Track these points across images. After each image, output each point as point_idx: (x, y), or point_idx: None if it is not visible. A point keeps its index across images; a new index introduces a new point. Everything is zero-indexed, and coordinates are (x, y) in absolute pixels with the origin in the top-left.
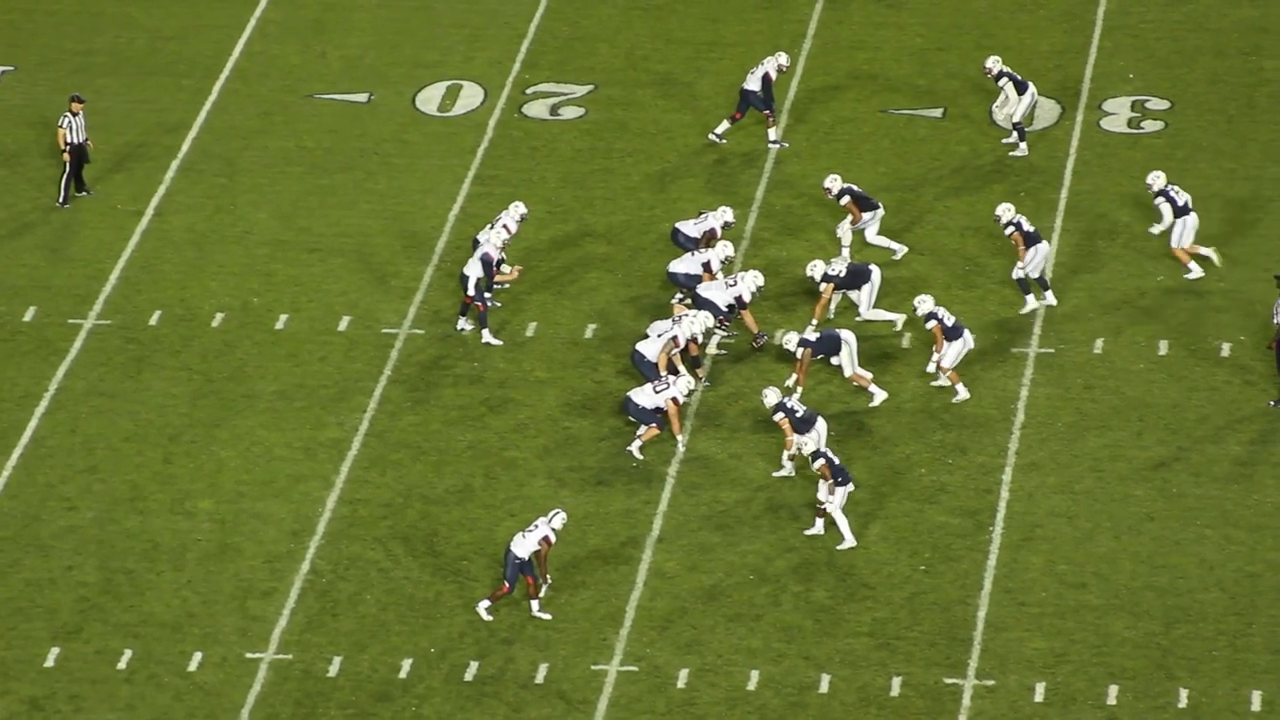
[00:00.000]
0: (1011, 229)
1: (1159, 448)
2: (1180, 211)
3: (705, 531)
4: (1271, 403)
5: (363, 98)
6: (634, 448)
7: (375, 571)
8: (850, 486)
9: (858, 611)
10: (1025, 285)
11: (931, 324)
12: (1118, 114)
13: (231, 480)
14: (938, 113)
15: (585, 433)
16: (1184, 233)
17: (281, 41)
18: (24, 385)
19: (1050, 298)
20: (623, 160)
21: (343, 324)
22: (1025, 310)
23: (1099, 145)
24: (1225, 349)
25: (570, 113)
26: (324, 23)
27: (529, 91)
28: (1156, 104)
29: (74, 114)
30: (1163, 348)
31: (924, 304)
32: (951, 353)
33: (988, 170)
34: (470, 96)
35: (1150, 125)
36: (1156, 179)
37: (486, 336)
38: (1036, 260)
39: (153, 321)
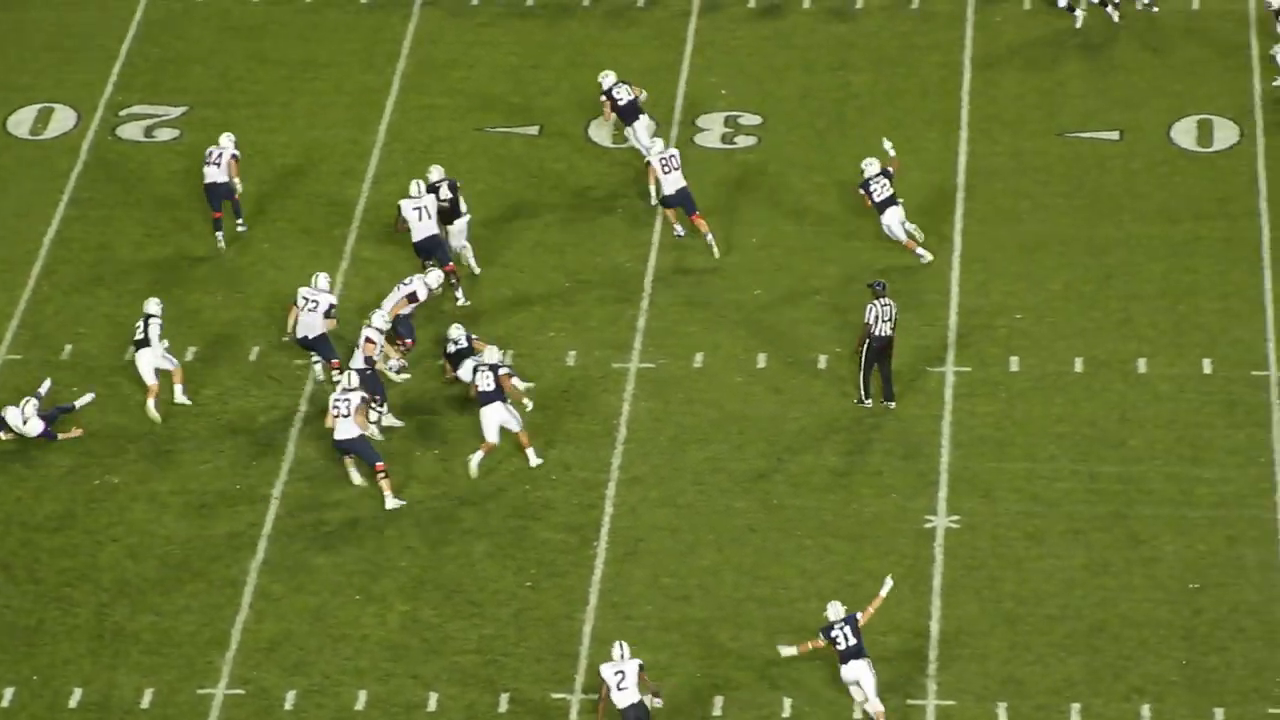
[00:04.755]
0: None
1: (759, 460)
2: (882, 206)
3: (310, 552)
4: (856, 401)
5: None
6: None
7: None
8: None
9: (464, 629)
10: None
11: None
12: (711, 130)
13: None
14: (534, 130)
15: (185, 456)
16: (893, 226)
17: None
18: None
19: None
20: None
21: None
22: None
23: (696, 161)
24: (822, 361)
25: (165, 134)
26: None
27: (123, 113)
28: (749, 119)
29: None
30: (761, 360)
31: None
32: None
33: (584, 187)
34: (63, 119)
35: (744, 140)
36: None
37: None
38: None
39: None
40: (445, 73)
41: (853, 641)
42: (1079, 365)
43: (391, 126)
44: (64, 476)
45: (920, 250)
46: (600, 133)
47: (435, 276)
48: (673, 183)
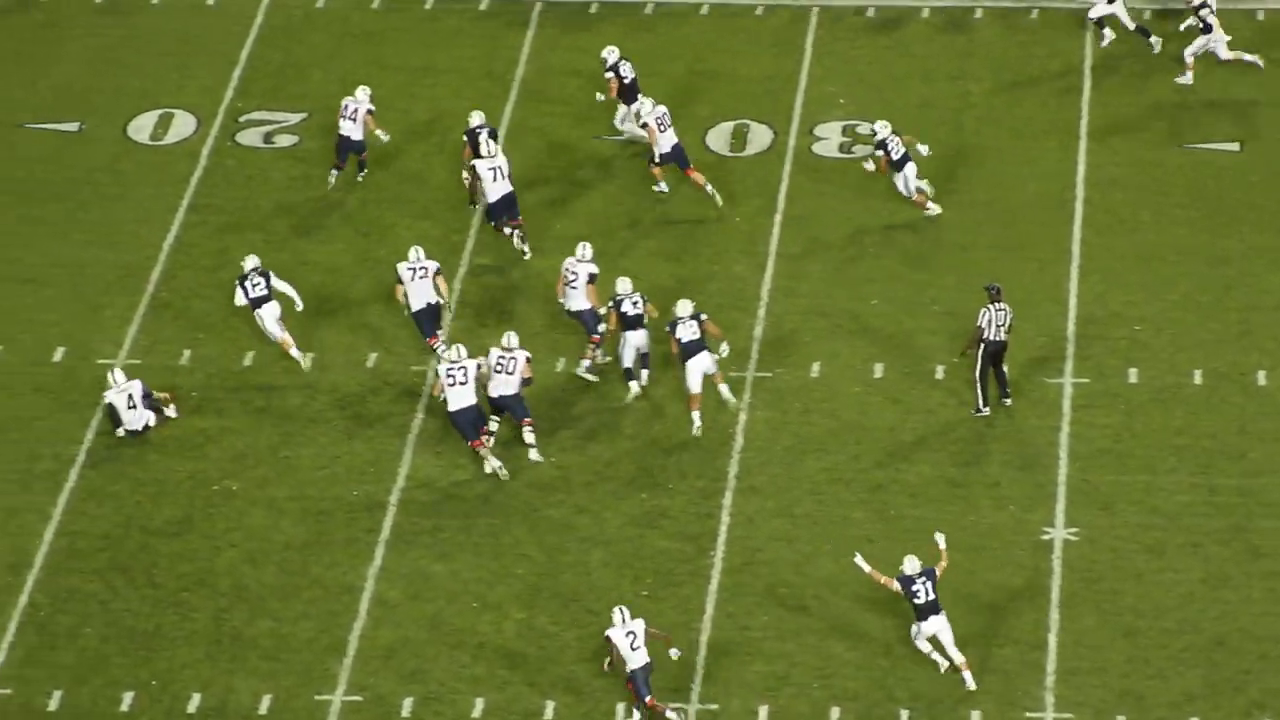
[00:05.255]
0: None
1: (876, 470)
2: (898, 164)
3: (427, 559)
4: (973, 411)
5: (74, 127)
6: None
7: (95, 604)
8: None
9: (581, 637)
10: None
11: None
12: (829, 138)
13: None
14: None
15: (304, 461)
16: (910, 179)
17: None
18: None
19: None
20: (336, 188)
21: (57, 355)
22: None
23: (811, 169)
24: (940, 371)
25: (285, 140)
26: (33, 52)
27: (242, 119)
28: (867, 128)
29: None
30: (878, 370)
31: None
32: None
33: (700, 195)
34: (183, 125)
35: (862, 149)
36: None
37: None
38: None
39: None
40: (563, 80)
41: (932, 596)
42: (1198, 377)
43: (509, 133)
44: (183, 482)
45: (930, 205)
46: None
47: (582, 249)
48: (668, 140)
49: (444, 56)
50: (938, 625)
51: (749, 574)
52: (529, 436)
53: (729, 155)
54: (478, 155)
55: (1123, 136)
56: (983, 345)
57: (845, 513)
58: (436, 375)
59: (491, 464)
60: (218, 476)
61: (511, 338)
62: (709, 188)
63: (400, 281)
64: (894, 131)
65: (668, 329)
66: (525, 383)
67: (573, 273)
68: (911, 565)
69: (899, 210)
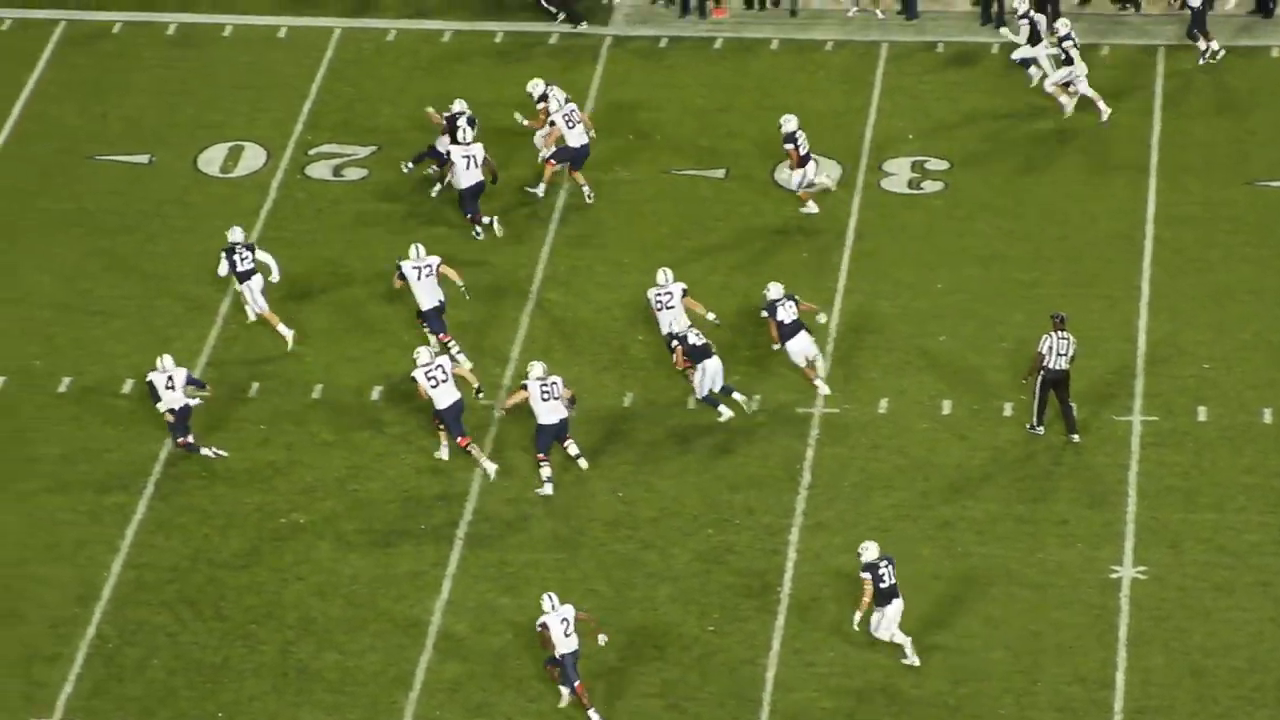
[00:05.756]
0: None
1: (943, 507)
2: (804, 160)
3: (494, 593)
4: (1028, 428)
5: (144, 159)
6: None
7: (162, 636)
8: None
9: (647, 672)
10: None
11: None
12: (898, 174)
13: (14, 545)
14: (720, 173)
15: (372, 495)
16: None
17: (61, 103)
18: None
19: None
20: (405, 221)
21: (126, 387)
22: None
23: (879, 205)
24: (1008, 408)
25: (354, 174)
26: (103, 84)
27: (312, 153)
28: (936, 164)
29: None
30: (946, 407)
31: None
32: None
33: (770, 230)
34: (253, 157)
35: (930, 185)
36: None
37: None
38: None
39: None
40: (633, 114)
41: (893, 581)
42: (1268, 416)
43: (585, 168)
44: (250, 514)
45: (811, 205)
46: (782, 175)
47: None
48: (577, 137)
49: (513, 90)
50: (899, 610)
51: (816, 610)
52: (573, 449)
53: (797, 190)
54: (454, 141)
55: (1193, 174)
56: (1042, 372)
57: (912, 549)
58: (414, 380)
59: (484, 465)
60: (285, 509)
61: (537, 366)
62: (586, 188)
63: (403, 279)
64: (799, 127)
65: (764, 313)
66: (571, 402)
67: (666, 292)
68: (873, 551)
69: (968, 246)
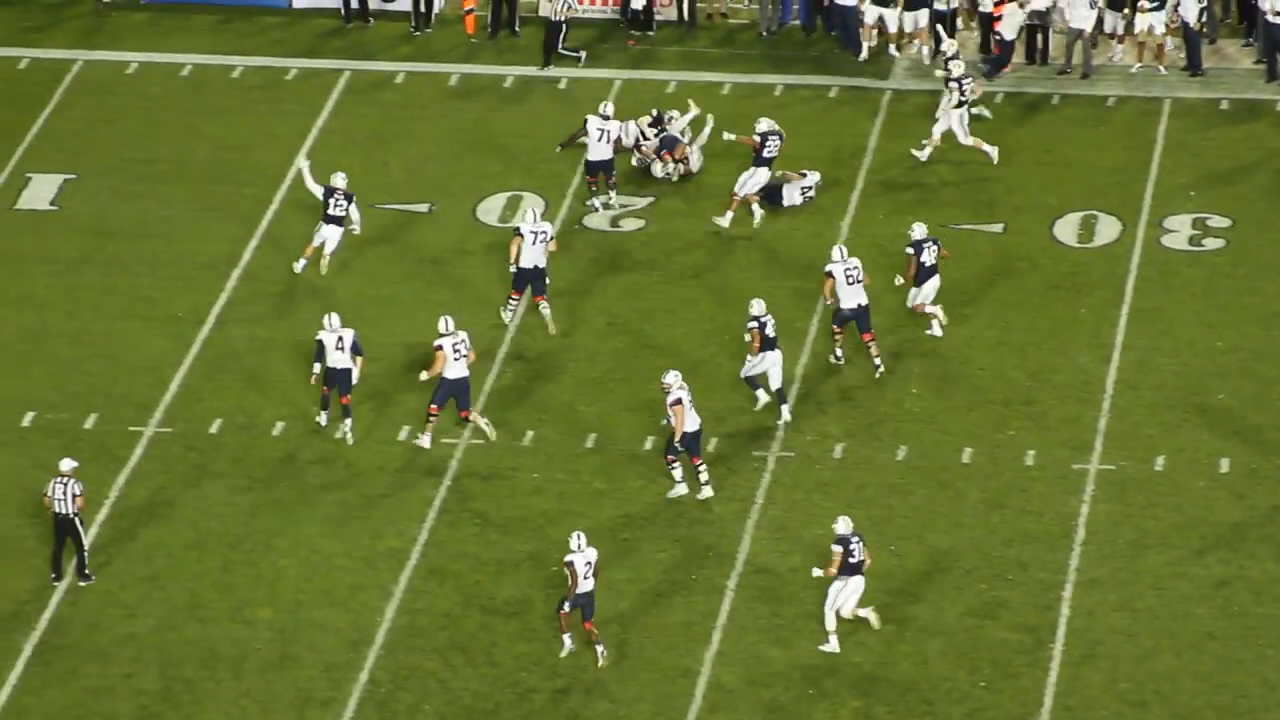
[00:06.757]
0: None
1: (1220, 565)
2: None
3: (764, 644)
4: None
5: (424, 207)
6: None
7: (434, 682)
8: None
9: None
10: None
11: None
12: (1179, 231)
13: (291, 589)
14: (998, 228)
15: (643, 545)
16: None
17: (344, 151)
18: (85, 492)
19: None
20: (681, 272)
21: (403, 434)
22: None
23: (1160, 262)
24: None
25: (630, 225)
26: (385, 133)
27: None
28: (1218, 221)
29: None
30: (1224, 465)
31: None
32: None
33: (1049, 285)
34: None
35: (1212, 243)
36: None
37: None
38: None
39: (213, 430)
40: (910, 169)
41: (861, 557)
42: None
43: (854, 224)
44: (523, 562)
45: (727, 217)
46: (1064, 231)
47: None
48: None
49: (794, 144)
50: (860, 585)
51: (1089, 667)
52: (704, 475)
53: (1076, 246)
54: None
55: None
56: None
57: (1187, 608)
58: (439, 349)
59: (482, 426)
60: (557, 557)
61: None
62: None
63: (520, 235)
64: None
65: (910, 250)
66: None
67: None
68: (846, 525)
69: (1249, 304)
